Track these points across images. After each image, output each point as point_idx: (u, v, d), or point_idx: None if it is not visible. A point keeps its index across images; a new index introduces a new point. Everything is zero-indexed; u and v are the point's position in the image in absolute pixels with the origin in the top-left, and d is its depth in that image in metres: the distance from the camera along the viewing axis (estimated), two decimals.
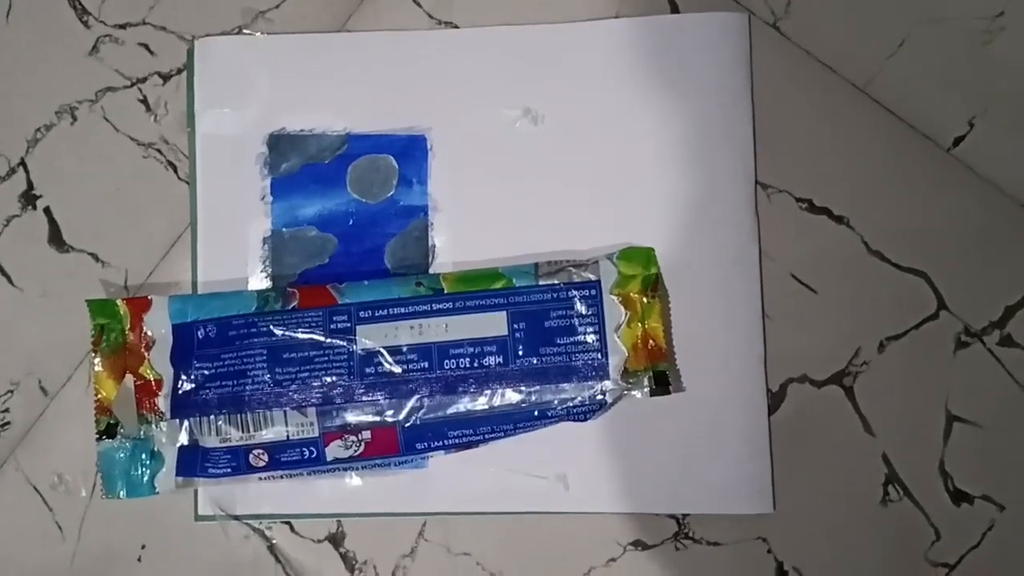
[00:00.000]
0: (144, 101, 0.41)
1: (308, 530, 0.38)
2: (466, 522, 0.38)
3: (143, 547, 0.38)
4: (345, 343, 0.36)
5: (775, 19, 0.40)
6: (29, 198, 0.40)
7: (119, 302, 0.37)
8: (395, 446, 0.36)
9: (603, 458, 0.37)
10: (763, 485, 0.37)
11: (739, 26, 0.39)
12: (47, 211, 0.40)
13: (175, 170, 0.40)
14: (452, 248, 0.39)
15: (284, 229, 0.39)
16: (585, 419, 0.36)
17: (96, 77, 0.41)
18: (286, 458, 0.36)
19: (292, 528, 0.38)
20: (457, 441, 0.36)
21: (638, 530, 0.38)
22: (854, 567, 0.37)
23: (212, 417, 0.36)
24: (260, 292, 0.37)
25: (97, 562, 0.38)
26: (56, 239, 0.40)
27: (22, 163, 0.40)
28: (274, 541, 0.38)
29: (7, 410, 0.39)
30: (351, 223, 0.39)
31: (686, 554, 0.37)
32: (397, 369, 0.36)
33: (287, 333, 0.37)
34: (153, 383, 0.37)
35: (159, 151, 0.40)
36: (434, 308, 0.37)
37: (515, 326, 0.37)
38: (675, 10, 0.40)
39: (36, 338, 0.40)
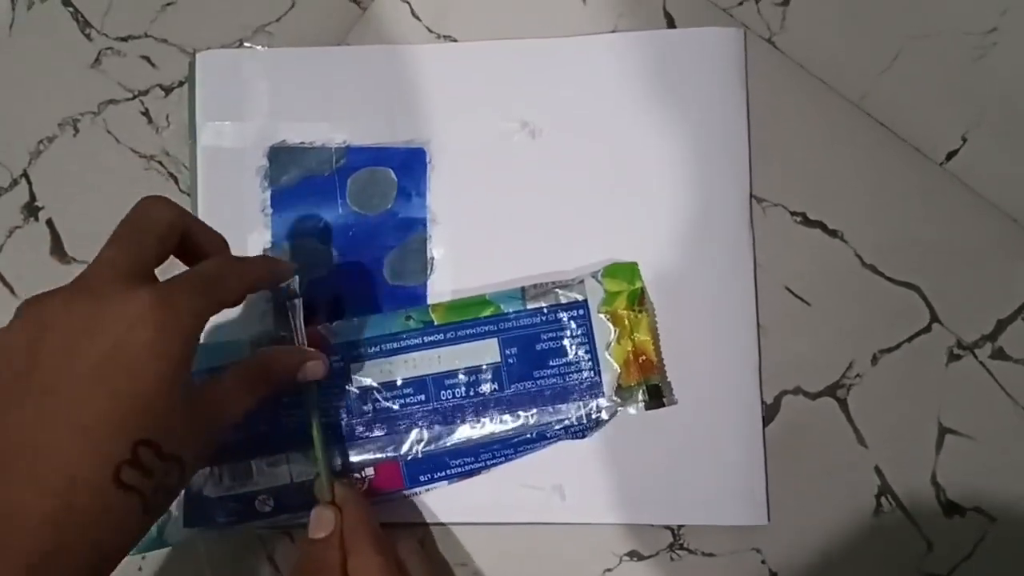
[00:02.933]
0: (146, 113, 0.41)
1: None
2: (463, 533, 0.38)
3: (143, 557, 0.39)
4: (340, 382, 0.37)
5: (770, 34, 0.40)
6: (32, 209, 0.41)
7: None
8: (399, 480, 0.37)
9: (599, 470, 0.38)
10: (757, 496, 0.37)
11: (735, 41, 0.39)
12: (49, 222, 0.41)
13: (176, 182, 0.41)
14: (450, 260, 0.39)
15: (284, 241, 0.39)
16: (583, 437, 0.37)
17: (98, 89, 0.41)
18: (292, 502, 0.36)
19: (292, 539, 0.39)
20: (460, 470, 0.37)
21: (634, 541, 0.38)
22: None
23: (216, 467, 0.36)
24: (252, 339, 0.38)
25: None
26: (58, 250, 0.40)
27: (25, 174, 0.41)
28: (273, 551, 0.39)
29: None
30: (350, 235, 0.39)
31: (681, 564, 0.38)
32: (394, 404, 0.37)
33: None
34: None
35: (160, 163, 0.41)
36: (426, 341, 0.37)
37: (507, 352, 0.37)
38: (672, 25, 0.40)
39: None
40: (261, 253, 0.39)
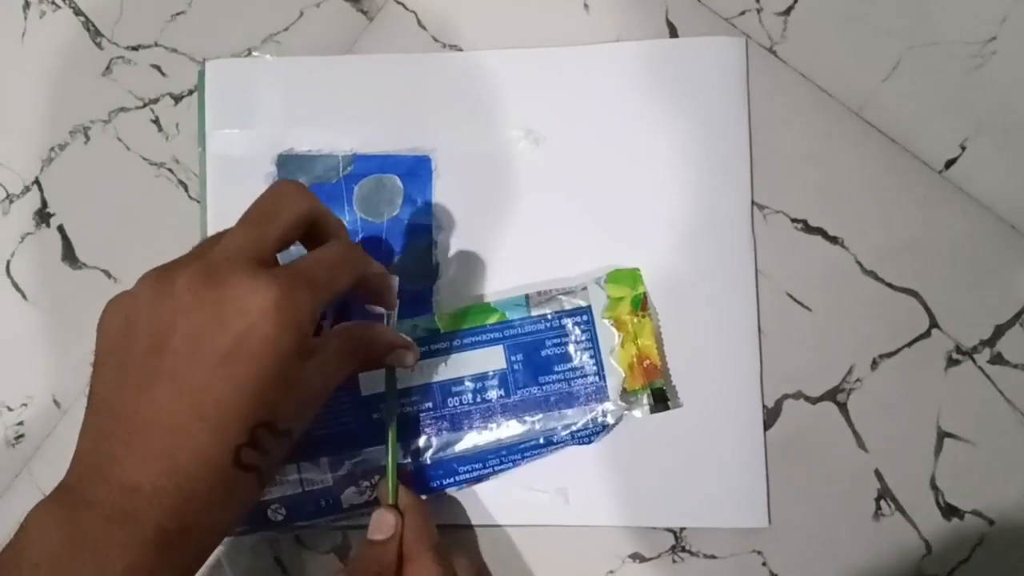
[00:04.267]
0: (156, 121, 0.42)
1: (314, 542, 0.39)
2: (468, 535, 0.39)
3: None
4: (348, 391, 0.37)
5: (772, 44, 0.40)
6: (43, 216, 0.41)
7: None
8: (407, 487, 0.37)
9: (602, 473, 0.38)
10: (758, 499, 0.38)
11: (736, 50, 0.40)
12: (60, 229, 0.41)
13: (186, 189, 0.41)
14: (456, 266, 0.40)
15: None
16: (590, 442, 0.37)
17: (109, 98, 0.42)
18: (303, 510, 0.37)
19: (299, 540, 0.39)
20: (468, 475, 0.37)
21: (636, 543, 0.39)
22: None
23: None
24: None
25: None
26: (69, 256, 0.41)
27: (36, 182, 0.41)
28: (281, 552, 0.39)
29: (21, 423, 0.40)
30: (357, 241, 0.40)
31: (683, 567, 0.38)
32: (402, 412, 0.37)
33: None
34: None
35: (170, 170, 0.41)
36: (432, 348, 0.38)
37: (513, 358, 0.37)
38: (674, 34, 0.40)
39: (50, 353, 0.40)
40: None
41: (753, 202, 0.39)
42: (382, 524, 0.33)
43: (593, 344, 0.38)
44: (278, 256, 0.30)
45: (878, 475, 0.38)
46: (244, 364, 0.26)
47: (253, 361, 0.26)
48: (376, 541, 0.32)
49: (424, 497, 0.37)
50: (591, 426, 0.37)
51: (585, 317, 0.38)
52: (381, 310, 0.35)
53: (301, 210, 0.29)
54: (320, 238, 0.31)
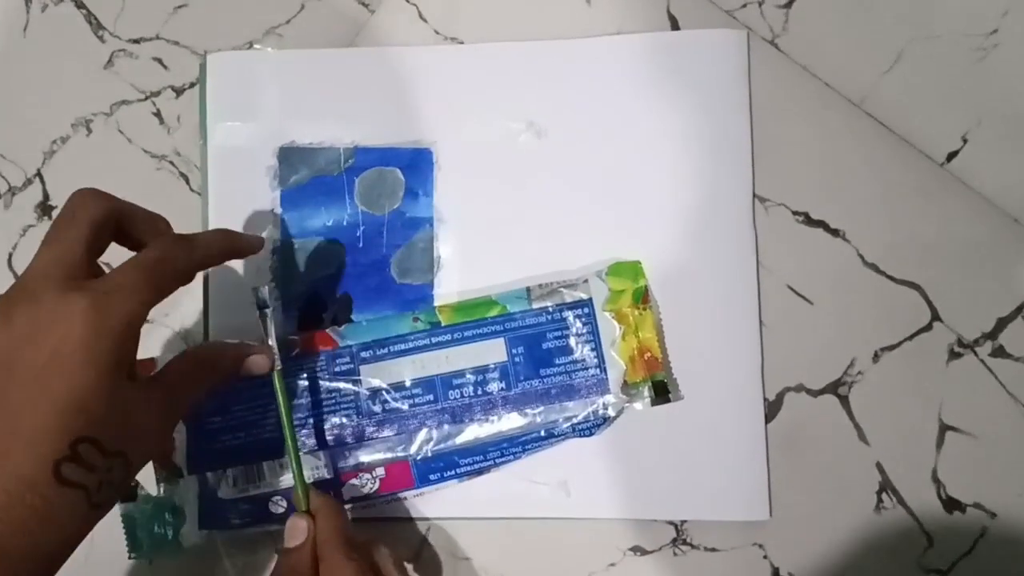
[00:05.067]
0: (157, 114, 0.42)
1: None
2: (469, 527, 0.39)
3: (150, 562, 0.39)
4: (350, 384, 0.37)
5: (773, 36, 0.40)
6: (45, 208, 0.41)
7: None
8: (409, 480, 0.37)
9: (604, 465, 0.38)
10: (759, 492, 0.38)
11: (738, 43, 0.40)
12: None
13: (187, 181, 0.41)
14: (457, 259, 0.40)
15: (293, 240, 0.40)
16: (591, 434, 0.37)
17: (111, 90, 0.42)
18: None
19: None
20: (469, 468, 0.37)
21: (637, 536, 0.38)
22: (848, 573, 0.38)
23: (227, 470, 0.37)
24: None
25: (111, 567, 0.39)
26: None
27: (38, 174, 0.42)
28: (282, 545, 0.39)
29: None
30: (358, 234, 0.40)
31: (684, 559, 0.38)
32: (403, 405, 0.37)
33: (292, 380, 0.37)
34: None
35: (172, 163, 0.41)
36: (433, 341, 0.38)
37: (514, 351, 0.37)
38: (676, 27, 0.40)
39: None
40: (270, 251, 0.40)
41: (754, 195, 0.39)
42: (294, 531, 0.33)
43: (594, 337, 0.38)
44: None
45: (879, 468, 0.38)
46: (58, 376, 0.26)
47: (68, 373, 0.26)
48: (291, 548, 0.32)
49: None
50: (592, 419, 0.37)
51: (586, 310, 0.38)
52: (261, 293, 0.34)
53: (98, 212, 0.29)
54: (137, 238, 0.31)
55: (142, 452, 0.29)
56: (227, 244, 0.34)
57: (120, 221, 0.30)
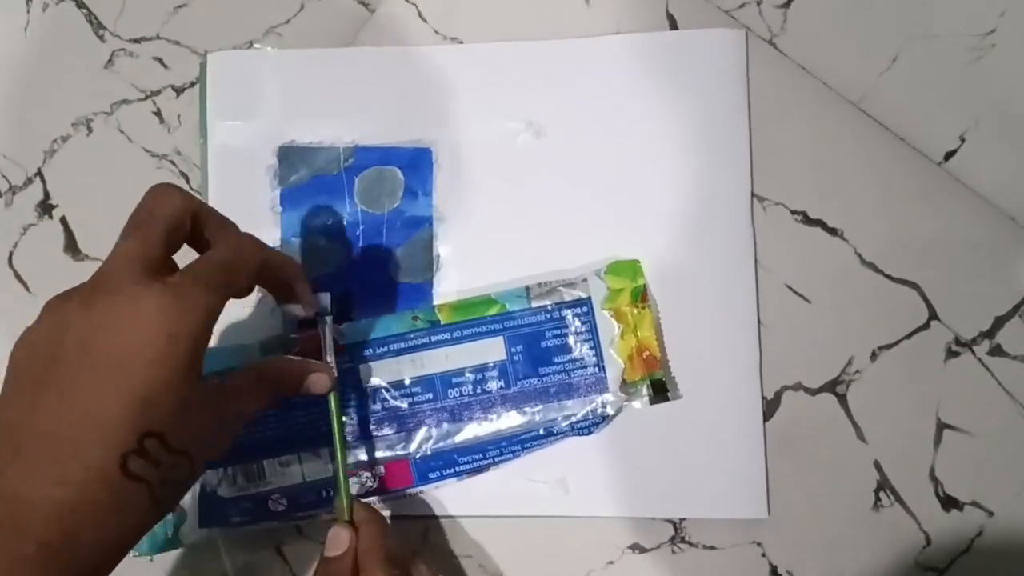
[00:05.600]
0: (158, 113, 0.42)
1: (315, 532, 0.39)
2: (468, 525, 0.39)
3: (151, 559, 0.39)
4: (350, 383, 0.37)
5: (772, 36, 0.41)
6: (46, 207, 0.41)
7: None
8: (409, 478, 0.37)
9: (602, 464, 0.38)
10: (758, 490, 0.38)
11: (736, 42, 0.40)
12: (63, 220, 0.41)
13: (188, 180, 0.41)
14: (456, 258, 0.40)
15: (293, 239, 0.40)
16: (590, 433, 0.37)
17: (111, 90, 0.42)
18: (304, 500, 0.37)
19: (300, 530, 0.39)
20: (468, 466, 0.37)
21: (636, 533, 0.39)
22: (846, 571, 0.38)
23: (228, 468, 0.37)
24: (262, 343, 0.38)
25: None
26: (72, 247, 0.41)
27: (39, 173, 0.42)
28: (282, 543, 0.39)
29: None
30: (358, 233, 0.40)
31: (682, 557, 0.38)
32: (403, 403, 0.37)
33: None
34: None
35: (172, 162, 0.41)
36: (432, 340, 0.38)
37: (513, 349, 0.38)
38: (674, 27, 0.41)
39: None
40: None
41: (753, 194, 0.40)
42: (336, 541, 0.33)
43: (593, 335, 0.38)
44: None
45: (877, 466, 0.38)
46: (133, 369, 0.26)
47: (143, 367, 0.26)
48: (332, 558, 0.32)
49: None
50: (591, 417, 0.37)
51: (585, 308, 0.38)
52: (299, 311, 0.34)
53: (177, 208, 0.29)
54: (207, 239, 0.31)
55: (204, 453, 0.29)
56: (292, 270, 0.33)
57: (195, 220, 0.30)
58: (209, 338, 0.28)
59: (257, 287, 0.32)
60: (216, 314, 0.28)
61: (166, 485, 0.27)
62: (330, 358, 0.35)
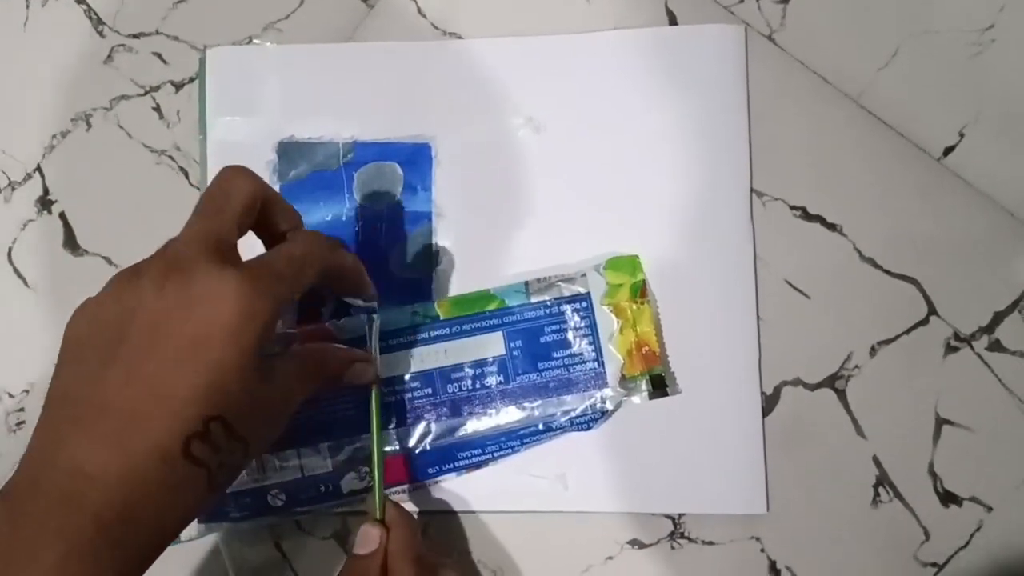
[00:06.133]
0: (157, 109, 0.42)
1: (314, 527, 0.39)
2: (467, 521, 0.39)
3: None
4: None
5: (771, 31, 0.41)
6: (45, 203, 0.41)
7: None
8: (407, 473, 0.37)
9: (601, 459, 0.38)
10: (757, 486, 0.38)
11: (736, 38, 0.40)
12: (62, 216, 0.41)
13: (187, 176, 0.41)
14: (455, 253, 0.40)
15: None
16: (589, 428, 0.37)
17: (111, 85, 0.42)
18: (303, 495, 0.37)
19: (299, 525, 0.39)
20: (467, 462, 0.37)
21: (635, 529, 0.39)
22: (845, 567, 0.38)
23: None
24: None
25: None
26: (71, 243, 0.41)
27: (38, 169, 0.42)
28: (281, 538, 0.39)
29: (22, 409, 0.41)
30: (357, 228, 0.40)
31: (681, 553, 0.38)
32: (402, 398, 0.37)
33: None
34: None
35: (171, 157, 0.41)
36: (432, 335, 0.38)
37: (512, 344, 0.38)
38: (673, 22, 0.41)
39: (51, 339, 0.40)
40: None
41: (752, 189, 0.40)
42: (367, 539, 0.33)
43: (592, 331, 0.38)
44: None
45: (876, 462, 0.38)
46: (204, 351, 0.26)
47: (213, 349, 0.26)
48: (361, 555, 0.32)
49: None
50: (590, 412, 0.37)
51: (584, 304, 0.38)
52: (360, 302, 0.35)
53: (251, 192, 0.29)
54: (274, 226, 0.31)
55: (259, 440, 0.29)
56: (355, 272, 0.33)
57: (264, 206, 0.30)
58: (275, 327, 0.28)
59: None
60: (288, 303, 0.28)
61: (223, 470, 0.27)
62: (375, 352, 0.35)
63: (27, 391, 0.41)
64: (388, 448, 0.37)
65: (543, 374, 0.38)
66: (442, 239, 0.40)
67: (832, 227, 0.40)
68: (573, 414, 0.37)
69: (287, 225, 0.31)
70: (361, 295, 0.34)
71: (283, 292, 0.28)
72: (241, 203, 0.29)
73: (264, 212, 0.30)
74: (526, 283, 0.38)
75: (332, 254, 0.32)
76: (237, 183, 0.29)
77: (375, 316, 0.35)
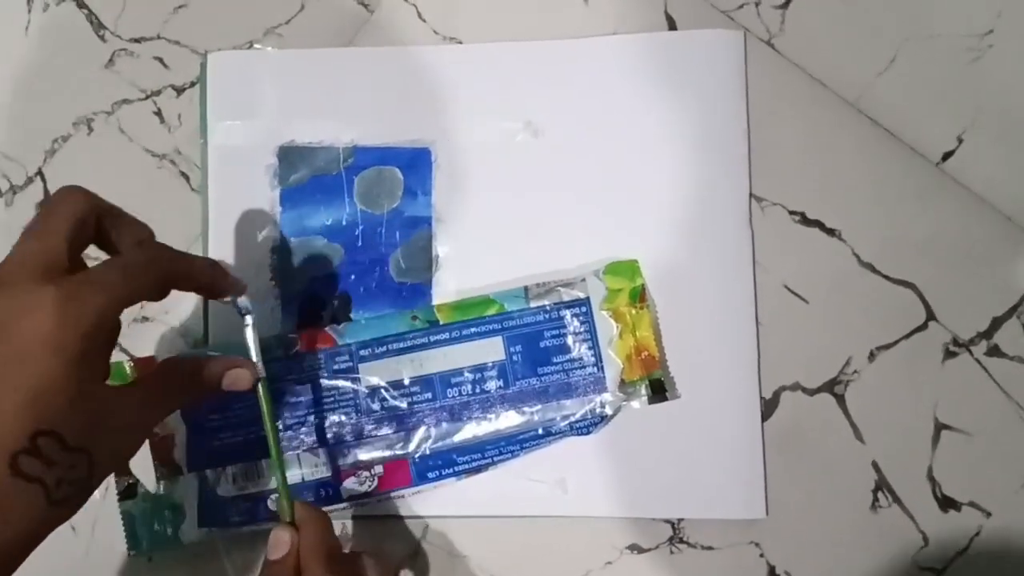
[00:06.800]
0: (158, 113, 0.42)
1: None
2: (467, 525, 0.39)
3: (149, 558, 0.39)
4: (349, 382, 0.38)
5: (770, 36, 0.41)
6: None
7: (126, 363, 0.37)
8: (407, 478, 0.38)
9: (601, 464, 0.38)
10: (756, 490, 0.38)
11: (735, 43, 0.40)
12: None
13: (188, 180, 0.41)
14: (455, 258, 0.40)
15: (293, 238, 0.40)
16: (588, 433, 0.38)
17: (112, 90, 0.42)
18: (303, 499, 0.37)
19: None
20: (467, 466, 0.37)
21: (634, 534, 0.39)
22: (844, 571, 0.38)
23: (227, 467, 0.37)
24: (262, 341, 0.37)
25: (110, 563, 0.39)
26: None
27: (40, 173, 0.42)
28: None
29: None
30: (357, 233, 0.40)
31: (681, 557, 0.38)
32: (402, 403, 0.38)
33: (292, 377, 0.38)
34: (168, 438, 0.37)
35: (172, 161, 0.42)
36: (431, 340, 0.38)
37: (512, 349, 0.38)
38: (672, 27, 0.41)
39: None
40: (270, 250, 0.40)
41: (751, 194, 0.40)
42: (277, 543, 0.32)
43: (591, 335, 0.38)
44: None
45: (875, 467, 0.38)
46: (22, 366, 0.25)
47: (33, 363, 0.25)
48: (273, 560, 0.32)
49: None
50: (589, 417, 0.37)
51: (583, 308, 0.38)
52: (229, 300, 0.33)
53: (79, 210, 0.29)
54: (119, 240, 0.30)
55: (110, 453, 0.28)
56: (209, 276, 0.32)
57: (101, 221, 0.30)
58: (107, 333, 0.28)
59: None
60: (112, 311, 0.28)
61: (63, 485, 0.26)
62: (254, 356, 0.33)
63: None
64: (388, 453, 0.38)
65: (543, 379, 0.38)
66: (442, 244, 0.40)
67: (831, 232, 0.40)
68: (573, 419, 0.37)
69: (132, 239, 0.31)
70: (229, 295, 0.33)
71: (103, 302, 0.27)
72: (68, 219, 0.28)
73: (105, 228, 0.30)
74: (526, 288, 0.38)
75: (176, 259, 0.31)
76: (68, 201, 0.29)
77: (247, 316, 0.34)
